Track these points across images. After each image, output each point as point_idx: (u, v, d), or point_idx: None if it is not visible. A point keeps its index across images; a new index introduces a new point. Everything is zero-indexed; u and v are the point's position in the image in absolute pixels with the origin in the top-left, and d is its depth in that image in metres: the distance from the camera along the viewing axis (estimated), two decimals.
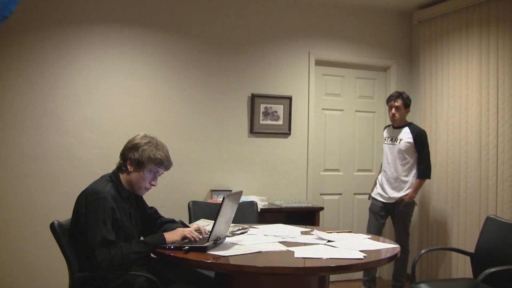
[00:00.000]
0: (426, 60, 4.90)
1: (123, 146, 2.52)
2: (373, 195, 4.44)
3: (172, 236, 2.39)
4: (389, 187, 4.27)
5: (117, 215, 2.31)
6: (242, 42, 4.65)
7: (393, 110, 4.26)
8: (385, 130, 4.48)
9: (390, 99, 4.29)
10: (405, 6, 5.03)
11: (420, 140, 4.20)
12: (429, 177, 4.26)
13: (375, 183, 4.49)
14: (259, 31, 4.71)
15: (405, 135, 4.23)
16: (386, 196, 4.28)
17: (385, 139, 4.42)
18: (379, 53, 5.15)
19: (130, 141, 2.48)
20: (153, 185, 2.49)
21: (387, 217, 4.38)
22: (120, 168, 2.46)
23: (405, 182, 4.22)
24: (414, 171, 4.22)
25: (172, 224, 2.66)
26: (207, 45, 4.53)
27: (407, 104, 4.27)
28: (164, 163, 2.46)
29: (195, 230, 2.48)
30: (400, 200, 4.20)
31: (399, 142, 4.23)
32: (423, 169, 4.20)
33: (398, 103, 4.23)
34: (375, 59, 5.13)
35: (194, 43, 4.49)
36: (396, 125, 4.31)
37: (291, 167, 4.80)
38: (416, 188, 4.22)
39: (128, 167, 2.43)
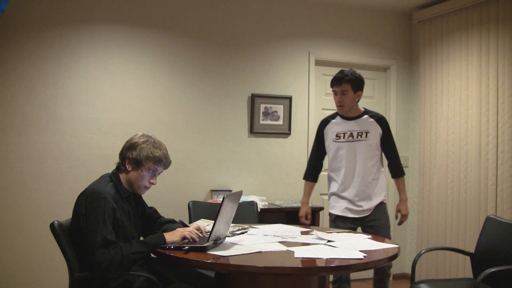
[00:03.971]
0: (426, 60, 4.90)
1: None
2: (338, 213, 3.35)
3: (172, 236, 2.39)
4: (360, 197, 3.30)
5: (117, 216, 2.31)
6: (242, 42, 4.65)
7: (338, 96, 3.27)
8: (330, 124, 3.42)
9: (332, 82, 3.29)
10: (405, 6, 5.03)
11: (388, 128, 3.35)
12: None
13: (331, 197, 3.47)
14: (259, 31, 4.71)
15: (371, 125, 3.30)
16: (359, 209, 3.31)
17: (338, 136, 3.35)
18: (379, 53, 5.15)
19: (128, 140, 2.48)
20: (153, 183, 2.48)
21: None
22: (119, 168, 2.47)
23: (377, 184, 3.34)
24: (382, 168, 3.40)
25: (171, 224, 2.66)
26: (207, 45, 4.53)
27: (356, 86, 3.24)
28: (163, 161, 2.46)
29: (196, 229, 2.49)
30: (377, 206, 3.33)
31: (367, 136, 3.28)
32: (400, 163, 3.43)
33: (344, 86, 3.23)
34: (375, 59, 5.13)
35: (194, 43, 4.49)
36: (349, 115, 3.34)
37: (291, 167, 4.80)
38: (404, 190, 3.44)
39: (127, 166, 2.43)
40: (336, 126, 3.38)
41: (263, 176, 4.71)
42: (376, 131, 3.31)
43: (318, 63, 4.95)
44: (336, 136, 3.36)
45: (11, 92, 3.95)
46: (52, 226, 2.33)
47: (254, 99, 4.65)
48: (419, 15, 4.98)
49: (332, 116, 3.44)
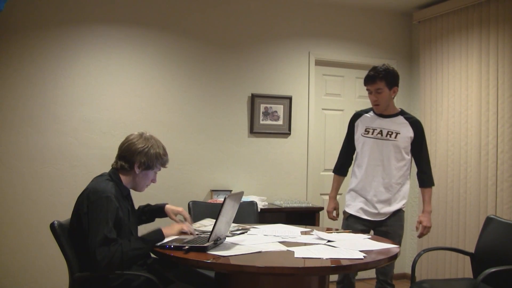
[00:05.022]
0: (426, 60, 4.90)
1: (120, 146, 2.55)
2: (353, 212, 3.24)
3: (170, 231, 2.42)
4: (379, 199, 3.16)
5: (119, 214, 2.32)
6: (242, 42, 4.65)
7: (373, 95, 3.15)
8: (363, 117, 3.29)
9: (365, 81, 3.18)
10: (405, 6, 5.03)
11: (422, 134, 3.19)
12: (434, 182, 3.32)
13: (350, 195, 3.34)
14: (259, 31, 4.71)
15: (404, 127, 3.16)
16: (375, 212, 3.17)
17: (367, 130, 3.22)
18: (379, 53, 5.15)
19: (133, 143, 2.47)
20: (154, 182, 2.56)
21: None
22: (124, 170, 2.46)
23: (399, 190, 3.18)
24: (408, 175, 3.23)
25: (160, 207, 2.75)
26: (207, 45, 4.53)
27: (391, 82, 3.11)
28: (166, 160, 2.54)
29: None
30: (393, 213, 3.17)
31: (396, 137, 3.14)
32: (430, 173, 3.24)
33: (378, 84, 3.11)
34: (375, 59, 5.12)
35: (194, 43, 4.48)
36: (383, 113, 3.21)
37: (291, 167, 4.80)
38: (430, 201, 3.24)
39: (136, 170, 2.45)
40: (368, 120, 3.24)
41: (263, 176, 4.71)
42: (407, 133, 3.15)
43: (318, 63, 4.95)
44: (365, 130, 3.22)
45: (11, 92, 3.95)
46: (52, 226, 2.33)
47: (254, 99, 4.65)
48: (419, 15, 4.98)
49: (366, 111, 3.31)
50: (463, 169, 4.41)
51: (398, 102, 5.20)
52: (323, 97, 5.03)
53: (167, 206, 2.74)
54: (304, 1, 4.84)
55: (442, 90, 4.68)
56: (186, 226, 2.46)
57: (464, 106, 4.43)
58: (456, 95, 4.52)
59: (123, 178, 2.47)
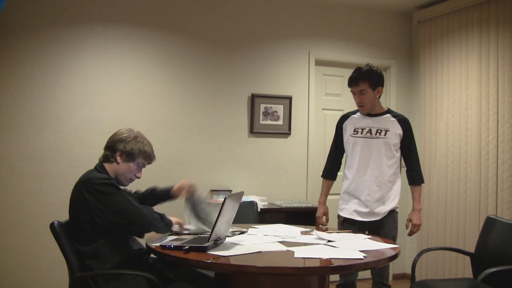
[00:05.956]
0: (426, 60, 4.91)
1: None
2: (347, 215, 3.21)
3: (174, 219, 2.60)
4: (372, 198, 3.13)
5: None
6: (242, 42, 4.65)
7: (357, 97, 3.15)
8: (350, 118, 3.28)
9: (348, 83, 3.17)
10: (405, 6, 5.03)
11: (410, 131, 3.19)
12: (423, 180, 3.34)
13: (342, 198, 3.31)
14: (259, 31, 4.71)
15: (392, 124, 3.15)
16: (369, 212, 3.14)
17: (356, 130, 3.20)
18: (379, 53, 5.15)
19: (118, 134, 2.55)
20: (138, 177, 2.60)
21: None
22: (108, 159, 2.52)
23: (391, 188, 3.17)
24: (398, 173, 3.23)
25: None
26: (208, 45, 4.53)
27: (375, 82, 3.10)
28: (151, 156, 2.60)
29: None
30: (388, 214, 3.16)
31: (386, 134, 3.13)
32: (419, 170, 3.25)
33: (361, 86, 3.10)
34: (375, 59, 5.12)
35: (194, 43, 4.49)
36: (370, 112, 3.20)
37: (291, 167, 4.80)
38: (419, 199, 3.25)
39: (117, 158, 2.50)
40: (356, 121, 3.23)
41: (263, 176, 4.71)
42: (396, 130, 3.14)
43: (318, 63, 4.95)
44: (354, 130, 3.21)
45: (11, 92, 3.95)
46: (52, 226, 2.33)
47: (254, 99, 4.65)
48: (419, 15, 4.98)
49: (353, 112, 3.30)
50: (463, 169, 4.41)
51: (398, 102, 5.21)
52: (323, 97, 5.03)
53: (172, 192, 2.81)
54: (304, 1, 4.84)
55: (442, 90, 4.68)
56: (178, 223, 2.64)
57: (464, 106, 4.43)
58: (456, 95, 4.52)
59: (108, 168, 2.52)
